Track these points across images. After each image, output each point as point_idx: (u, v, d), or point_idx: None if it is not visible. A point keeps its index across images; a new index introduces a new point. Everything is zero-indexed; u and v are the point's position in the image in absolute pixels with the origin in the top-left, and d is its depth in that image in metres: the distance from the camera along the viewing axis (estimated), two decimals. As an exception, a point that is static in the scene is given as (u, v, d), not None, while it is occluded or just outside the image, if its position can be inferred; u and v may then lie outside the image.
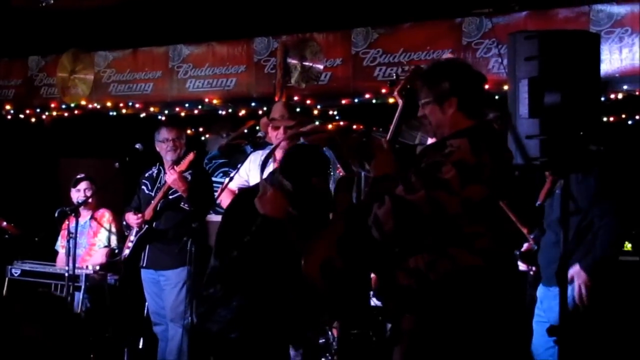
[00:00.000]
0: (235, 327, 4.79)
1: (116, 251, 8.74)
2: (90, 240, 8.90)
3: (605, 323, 6.66)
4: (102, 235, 8.90)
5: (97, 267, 8.53)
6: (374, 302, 7.67)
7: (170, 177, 7.66)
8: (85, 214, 8.85)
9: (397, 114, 4.97)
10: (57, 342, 2.53)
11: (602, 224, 6.28)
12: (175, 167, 7.72)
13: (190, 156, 7.74)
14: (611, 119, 10.09)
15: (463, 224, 4.21)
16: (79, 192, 8.90)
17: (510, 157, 4.66)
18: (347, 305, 4.94)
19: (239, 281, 4.88)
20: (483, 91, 4.64)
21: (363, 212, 4.57)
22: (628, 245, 8.46)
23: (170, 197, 7.84)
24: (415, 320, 4.32)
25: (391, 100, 9.08)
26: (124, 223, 8.12)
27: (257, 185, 5.20)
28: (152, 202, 7.90)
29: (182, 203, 7.78)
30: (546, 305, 6.62)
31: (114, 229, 8.88)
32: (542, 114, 5.15)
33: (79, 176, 9.08)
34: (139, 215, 7.91)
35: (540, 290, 6.82)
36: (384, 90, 9.12)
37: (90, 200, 8.73)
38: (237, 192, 7.12)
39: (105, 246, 8.86)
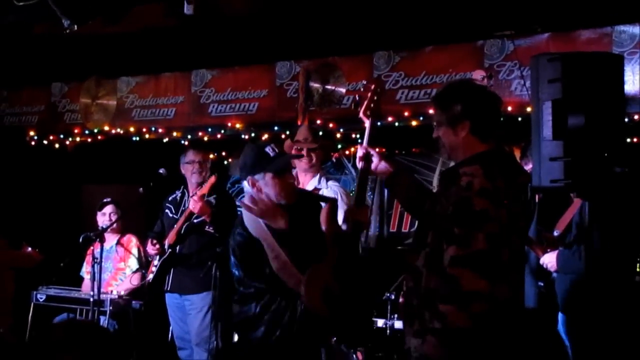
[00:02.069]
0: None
1: (145, 275, 8.76)
2: (117, 265, 8.93)
3: (624, 345, 6.63)
4: (132, 260, 8.92)
5: (129, 291, 8.60)
6: (399, 324, 7.70)
7: (195, 204, 7.65)
8: (111, 239, 8.89)
9: (366, 135, 5.00)
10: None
11: None
12: (197, 192, 7.74)
13: (212, 179, 7.76)
14: (635, 140, 10.04)
15: (502, 251, 4.14)
16: (104, 216, 8.96)
17: (527, 181, 4.62)
18: (350, 326, 5.00)
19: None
20: (498, 114, 4.57)
21: (350, 239, 4.83)
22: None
23: (195, 221, 7.85)
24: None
25: (414, 123, 9.10)
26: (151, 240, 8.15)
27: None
28: (175, 226, 7.92)
29: (207, 227, 7.79)
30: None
31: (141, 254, 8.89)
32: (565, 136, 5.14)
33: (105, 200, 9.13)
34: (157, 245, 7.93)
35: (560, 316, 6.81)
36: (406, 113, 9.12)
37: (115, 224, 8.76)
38: None
39: (137, 269, 8.86)
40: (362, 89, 5.03)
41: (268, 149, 5.09)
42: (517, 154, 7.55)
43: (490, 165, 4.23)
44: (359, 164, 4.94)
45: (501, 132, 4.56)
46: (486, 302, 4.01)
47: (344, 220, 5.03)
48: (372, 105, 5.02)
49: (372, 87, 5.11)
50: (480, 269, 4.01)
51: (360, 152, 4.95)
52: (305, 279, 4.79)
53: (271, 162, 5.04)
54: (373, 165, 4.90)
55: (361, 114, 5.04)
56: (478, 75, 7.66)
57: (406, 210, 5.09)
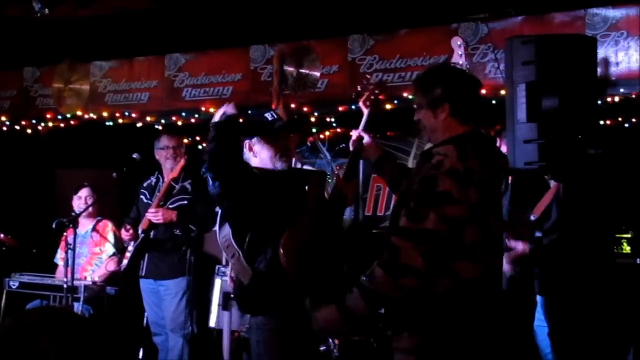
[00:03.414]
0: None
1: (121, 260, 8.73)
2: (92, 250, 8.88)
3: (604, 325, 6.67)
4: (108, 245, 8.87)
5: (105, 277, 8.60)
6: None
7: (156, 216, 7.70)
8: (86, 223, 8.85)
9: (362, 121, 5.31)
10: (71, 354, 2.52)
11: None
12: (154, 201, 7.77)
13: (182, 162, 7.77)
14: (608, 122, 10.08)
15: (466, 232, 4.15)
16: (80, 199, 8.91)
17: (504, 164, 4.63)
18: (319, 289, 5.02)
19: None
20: (478, 97, 4.60)
21: (331, 206, 5.08)
22: (627, 248, 8.47)
23: (170, 206, 7.83)
24: (416, 339, 4.26)
25: (388, 107, 9.08)
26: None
27: None
28: (148, 210, 7.89)
29: (175, 230, 7.77)
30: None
31: (118, 239, 8.85)
32: (540, 118, 5.16)
33: (81, 183, 9.08)
34: (130, 231, 7.91)
35: (539, 299, 6.83)
36: (381, 97, 9.10)
37: (90, 209, 8.71)
38: None
39: (113, 254, 8.83)
40: (365, 83, 5.56)
41: (267, 114, 5.28)
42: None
43: (465, 145, 4.25)
44: (352, 146, 5.24)
45: (481, 115, 4.57)
46: (417, 279, 4.05)
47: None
48: (372, 97, 5.34)
49: (376, 83, 5.74)
50: (422, 247, 4.05)
51: (354, 136, 5.24)
52: (285, 235, 4.95)
53: (268, 126, 5.19)
54: (365, 151, 5.21)
55: (360, 103, 5.38)
56: (456, 42, 7.62)
57: (391, 189, 5.20)
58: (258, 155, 5.22)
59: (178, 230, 7.74)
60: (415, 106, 4.55)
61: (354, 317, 4.21)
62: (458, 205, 4.09)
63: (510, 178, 6.92)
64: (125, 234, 7.96)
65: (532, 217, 6.81)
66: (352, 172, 5.24)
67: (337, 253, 5.28)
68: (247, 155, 5.25)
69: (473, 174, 4.17)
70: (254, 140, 5.20)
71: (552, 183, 6.75)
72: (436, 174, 4.14)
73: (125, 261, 8.00)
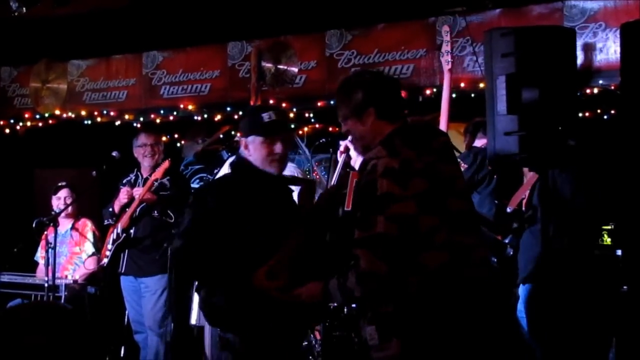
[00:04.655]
0: None
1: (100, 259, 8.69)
2: (72, 249, 8.86)
3: (586, 317, 6.69)
4: (87, 245, 8.84)
5: (86, 276, 8.57)
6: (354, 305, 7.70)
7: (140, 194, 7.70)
8: (65, 223, 8.83)
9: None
10: (61, 351, 2.51)
11: None
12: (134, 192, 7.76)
13: (166, 164, 7.73)
14: (587, 114, 10.11)
15: (421, 222, 4.14)
16: (59, 200, 8.89)
17: (447, 140, 4.61)
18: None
19: None
20: (399, 95, 4.61)
21: (321, 215, 5.07)
22: (608, 240, 8.48)
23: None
24: (403, 343, 4.22)
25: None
26: (109, 210, 8.06)
27: None
28: (128, 209, 7.86)
29: (153, 212, 7.75)
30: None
31: (97, 238, 8.82)
32: (520, 110, 5.16)
33: (60, 183, 9.05)
34: (129, 191, 7.91)
35: (522, 288, 6.84)
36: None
37: (70, 208, 8.68)
38: None
39: (93, 253, 8.79)
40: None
41: (264, 114, 5.09)
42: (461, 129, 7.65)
43: (392, 141, 4.27)
44: (340, 156, 5.34)
45: (406, 110, 4.60)
46: (381, 284, 4.12)
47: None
48: None
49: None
50: (378, 251, 4.09)
51: (342, 147, 5.28)
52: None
53: (263, 127, 5.05)
54: (352, 161, 5.15)
55: None
56: (445, 30, 7.60)
57: None
58: (252, 155, 5.07)
59: (156, 212, 7.71)
60: (340, 119, 4.56)
61: (331, 301, 4.51)
62: (403, 202, 4.11)
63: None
64: (124, 193, 7.91)
65: (508, 209, 6.83)
66: (342, 182, 5.39)
67: (328, 259, 5.24)
68: (243, 152, 5.13)
69: (411, 165, 4.18)
70: (250, 139, 5.07)
71: (528, 175, 6.77)
72: (374, 178, 4.16)
73: (105, 260, 7.98)
